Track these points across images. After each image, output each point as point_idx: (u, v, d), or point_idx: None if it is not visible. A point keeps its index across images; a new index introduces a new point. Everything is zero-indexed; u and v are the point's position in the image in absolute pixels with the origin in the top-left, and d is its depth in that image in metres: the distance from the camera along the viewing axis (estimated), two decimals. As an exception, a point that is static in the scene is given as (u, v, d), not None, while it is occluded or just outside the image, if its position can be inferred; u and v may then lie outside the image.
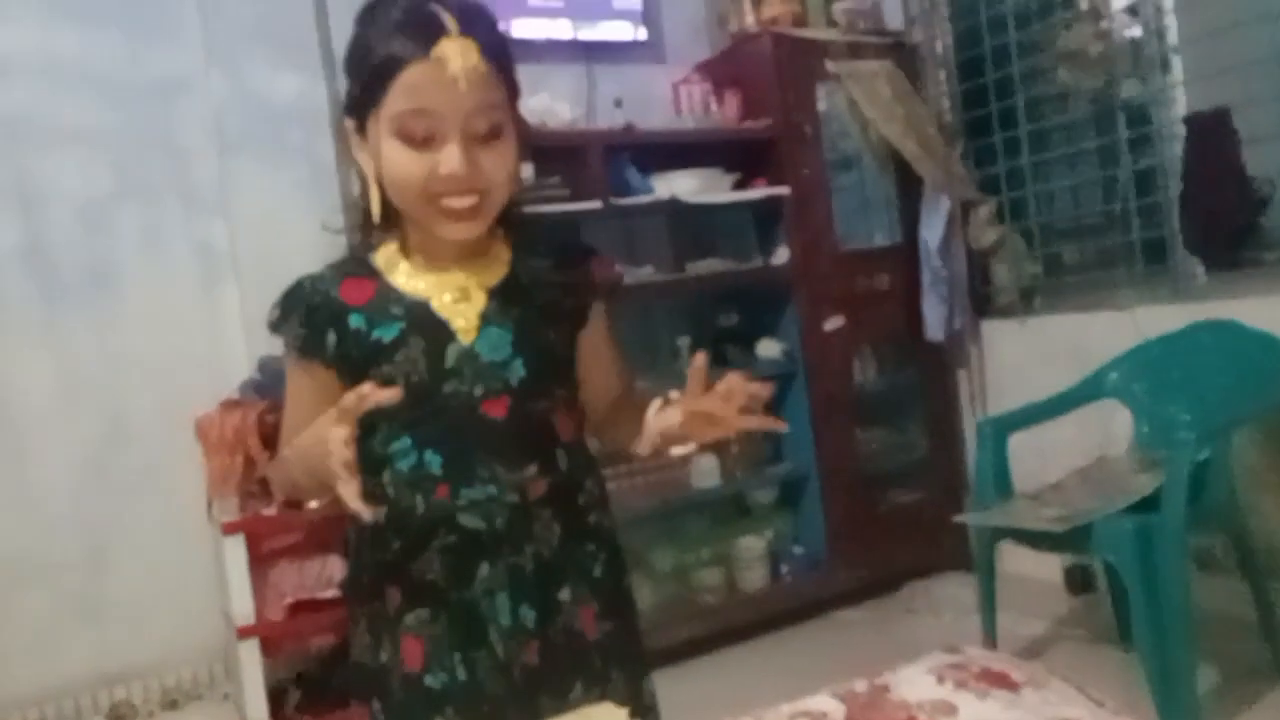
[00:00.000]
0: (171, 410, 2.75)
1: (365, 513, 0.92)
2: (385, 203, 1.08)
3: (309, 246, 2.91)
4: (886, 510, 3.40)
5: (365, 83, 1.03)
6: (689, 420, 1.02)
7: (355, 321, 1.09)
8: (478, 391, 1.08)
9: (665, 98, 3.42)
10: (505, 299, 1.11)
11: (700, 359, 1.01)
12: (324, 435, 0.92)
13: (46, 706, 2.70)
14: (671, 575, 3.15)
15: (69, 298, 2.77)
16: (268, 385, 2.71)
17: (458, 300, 1.10)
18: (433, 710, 1.09)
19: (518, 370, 1.09)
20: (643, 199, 3.06)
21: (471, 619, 1.09)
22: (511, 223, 1.15)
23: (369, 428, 1.03)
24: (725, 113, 3.31)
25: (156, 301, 2.85)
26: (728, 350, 3.24)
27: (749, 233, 3.39)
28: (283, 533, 2.63)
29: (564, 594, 1.12)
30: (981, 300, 3.41)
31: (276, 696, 2.58)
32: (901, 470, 3.48)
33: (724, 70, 3.40)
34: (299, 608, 2.61)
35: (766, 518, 3.35)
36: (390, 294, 1.10)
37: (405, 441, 1.08)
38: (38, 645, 2.69)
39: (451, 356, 1.08)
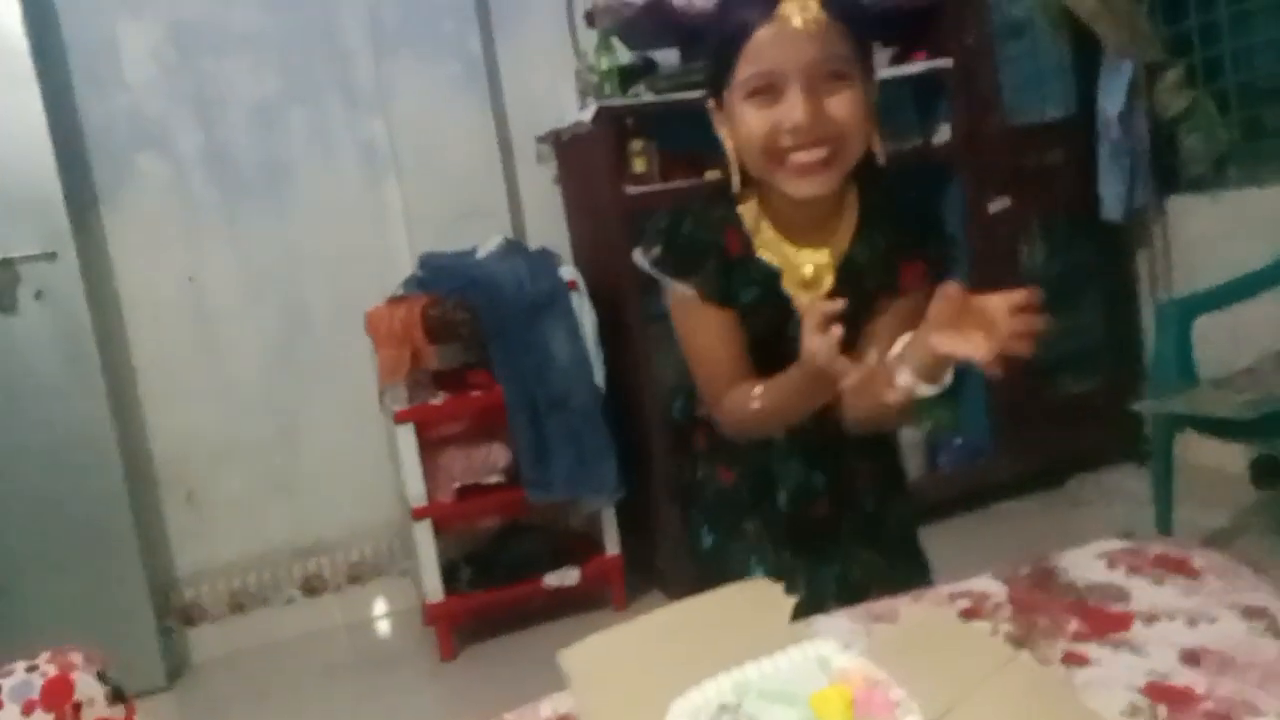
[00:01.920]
0: (344, 303, 2.90)
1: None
2: (746, 173, 1.16)
3: (463, 143, 3.06)
4: (1054, 399, 3.25)
5: (718, 54, 1.12)
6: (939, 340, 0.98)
7: (734, 272, 1.19)
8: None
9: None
10: (844, 279, 1.19)
11: (953, 291, 0.95)
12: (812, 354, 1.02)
13: (249, 575, 2.98)
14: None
15: (248, 197, 2.93)
16: (430, 280, 2.81)
17: (805, 282, 1.19)
18: (743, 516, 1.31)
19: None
20: (794, 79, 2.93)
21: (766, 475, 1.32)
22: (866, 181, 1.19)
23: None
24: (882, -19, 3.11)
25: (326, 199, 2.99)
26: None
27: (907, 110, 3.20)
28: (449, 421, 2.76)
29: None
30: (1167, 174, 3.13)
31: (449, 573, 2.75)
32: (1072, 358, 3.30)
33: (881, -66, 3.17)
34: (467, 491, 2.75)
35: (924, 408, 3.25)
36: (751, 256, 1.20)
37: None
38: (240, 519, 2.97)
39: (791, 329, 1.16)
